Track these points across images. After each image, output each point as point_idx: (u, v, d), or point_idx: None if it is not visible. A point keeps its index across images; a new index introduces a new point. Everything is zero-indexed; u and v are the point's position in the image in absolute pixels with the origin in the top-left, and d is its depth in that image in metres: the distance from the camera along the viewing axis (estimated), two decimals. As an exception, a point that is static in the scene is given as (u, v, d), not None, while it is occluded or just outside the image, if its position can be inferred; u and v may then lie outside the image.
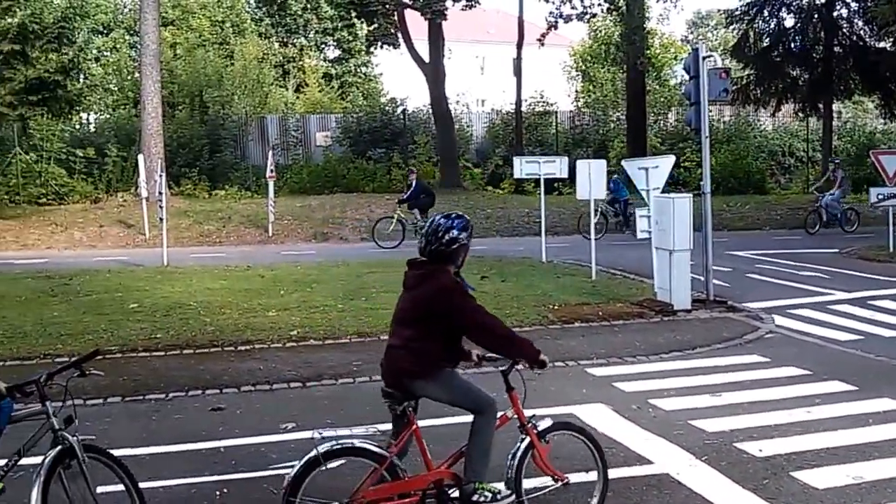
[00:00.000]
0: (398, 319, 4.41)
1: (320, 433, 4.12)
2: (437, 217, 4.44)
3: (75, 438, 4.04)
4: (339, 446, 4.10)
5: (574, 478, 4.75)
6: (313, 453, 4.05)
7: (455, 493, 4.31)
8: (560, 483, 4.55)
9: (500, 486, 4.38)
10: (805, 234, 19.16)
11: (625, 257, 14.92)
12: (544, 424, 4.57)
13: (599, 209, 19.35)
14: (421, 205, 18.77)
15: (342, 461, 4.15)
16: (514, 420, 4.52)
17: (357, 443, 4.15)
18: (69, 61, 19.70)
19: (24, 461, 4.11)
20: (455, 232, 4.34)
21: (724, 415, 6.30)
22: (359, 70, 39.42)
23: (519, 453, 4.47)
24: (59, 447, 4.03)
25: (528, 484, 4.50)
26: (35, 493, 3.91)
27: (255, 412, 6.50)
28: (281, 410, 6.48)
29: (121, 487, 4.30)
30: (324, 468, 4.06)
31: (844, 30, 25.27)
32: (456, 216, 4.45)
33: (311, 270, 13.88)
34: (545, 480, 4.56)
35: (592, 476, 4.74)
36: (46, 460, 4.00)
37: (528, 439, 4.47)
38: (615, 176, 19.70)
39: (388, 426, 4.44)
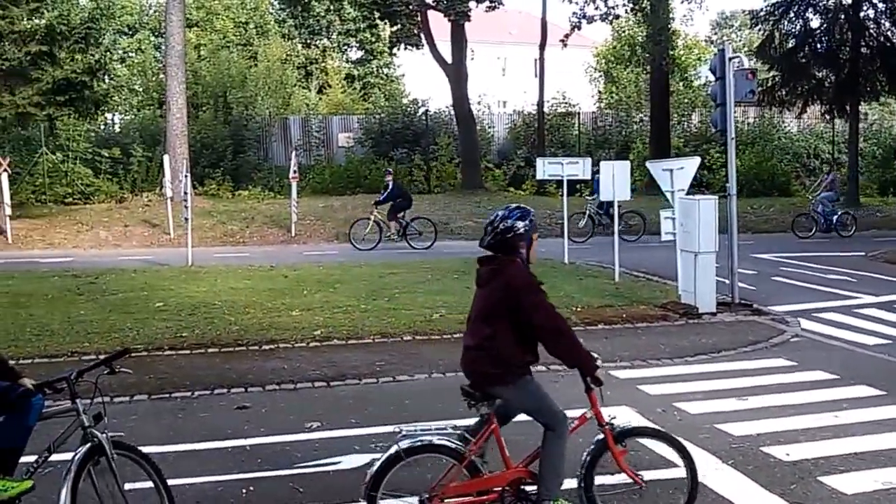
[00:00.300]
0: (473, 318, 4.40)
1: (401, 428, 4.20)
2: (497, 210, 4.43)
3: (104, 435, 4.09)
4: (419, 443, 4.16)
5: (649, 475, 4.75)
6: (394, 449, 4.11)
7: (532, 488, 4.33)
8: (636, 485, 4.55)
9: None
10: (833, 237, 18.96)
11: (648, 259, 14.83)
12: (622, 426, 4.58)
13: (587, 211, 19.13)
14: (398, 207, 18.76)
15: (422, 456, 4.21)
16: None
17: (437, 440, 4.20)
18: (96, 62, 19.91)
19: (53, 458, 4.16)
20: (510, 221, 4.30)
21: (751, 418, 6.25)
22: (381, 71, 39.51)
23: (593, 452, 4.52)
24: (89, 444, 4.08)
25: (602, 481, 4.55)
26: (65, 491, 3.95)
27: (280, 411, 6.53)
28: (305, 409, 6.51)
29: (149, 484, 4.36)
30: (404, 463, 4.12)
31: (871, 30, 24.94)
32: (515, 207, 4.42)
33: (334, 271, 13.93)
34: (622, 478, 4.58)
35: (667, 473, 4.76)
36: (76, 457, 4.05)
37: (603, 438, 4.49)
38: (597, 175, 19.34)
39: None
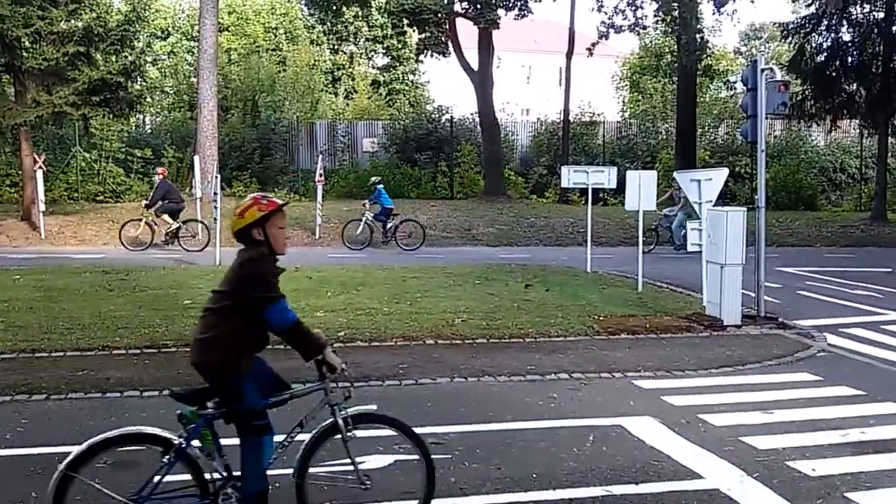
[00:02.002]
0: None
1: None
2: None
3: (343, 413, 4.44)
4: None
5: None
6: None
7: None
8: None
9: None
10: (857, 252, 18.75)
11: (671, 270, 14.80)
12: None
13: (365, 221, 18.83)
14: (167, 209, 18.11)
15: None
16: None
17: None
18: (130, 63, 20.25)
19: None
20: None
21: (776, 432, 6.19)
22: (406, 77, 39.78)
23: (316, 436, 4.51)
24: (331, 420, 4.44)
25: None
26: (297, 462, 4.43)
27: (305, 410, 6.53)
28: (330, 409, 6.57)
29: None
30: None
31: (904, 45, 24.69)
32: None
33: (357, 273, 14.01)
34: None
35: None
36: (316, 433, 4.45)
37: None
38: (379, 185, 19.07)
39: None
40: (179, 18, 35.19)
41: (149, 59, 31.22)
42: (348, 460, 4.48)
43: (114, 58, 20.31)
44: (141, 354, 8.21)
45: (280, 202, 4.28)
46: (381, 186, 19.22)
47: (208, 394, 4.24)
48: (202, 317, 4.25)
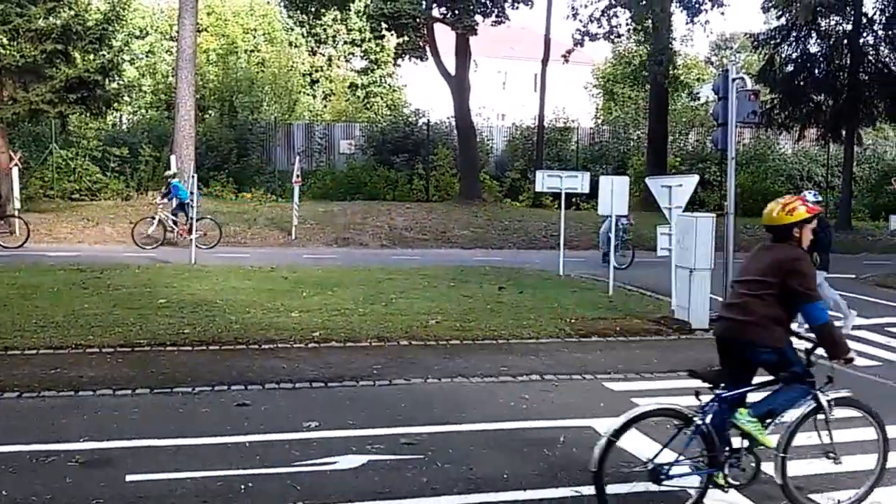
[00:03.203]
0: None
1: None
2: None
3: (827, 396, 5.02)
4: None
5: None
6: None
7: None
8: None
9: None
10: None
11: (642, 274, 14.98)
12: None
13: (158, 217, 18.25)
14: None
15: None
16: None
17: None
18: (108, 62, 20.14)
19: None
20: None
21: (742, 434, 6.32)
22: (384, 81, 39.90)
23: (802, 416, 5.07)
24: (815, 403, 5.01)
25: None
26: (783, 439, 4.99)
27: (279, 410, 6.59)
28: (304, 409, 6.58)
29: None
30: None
31: (870, 57, 25.28)
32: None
33: (332, 274, 14.04)
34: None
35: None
36: (803, 412, 5.02)
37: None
38: (174, 179, 18.64)
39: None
40: (158, 18, 34.99)
41: (127, 57, 31.09)
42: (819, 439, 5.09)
43: (92, 56, 20.24)
44: (115, 353, 8.18)
45: (819, 209, 4.95)
46: (175, 180, 18.71)
47: (726, 375, 5.08)
48: (737, 303, 4.94)
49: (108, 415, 6.37)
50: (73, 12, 20.23)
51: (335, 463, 5.41)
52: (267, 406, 6.69)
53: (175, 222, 18.29)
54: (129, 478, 5.06)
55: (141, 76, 31.60)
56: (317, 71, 37.87)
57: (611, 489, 4.76)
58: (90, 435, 5.83)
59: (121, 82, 23.12)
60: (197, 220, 17.66)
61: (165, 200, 18.51)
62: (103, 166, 24.95)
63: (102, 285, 12.07)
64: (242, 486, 5.01)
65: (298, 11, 32.49)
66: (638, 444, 6.02)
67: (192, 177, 16.64)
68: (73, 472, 5.19)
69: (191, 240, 16.02)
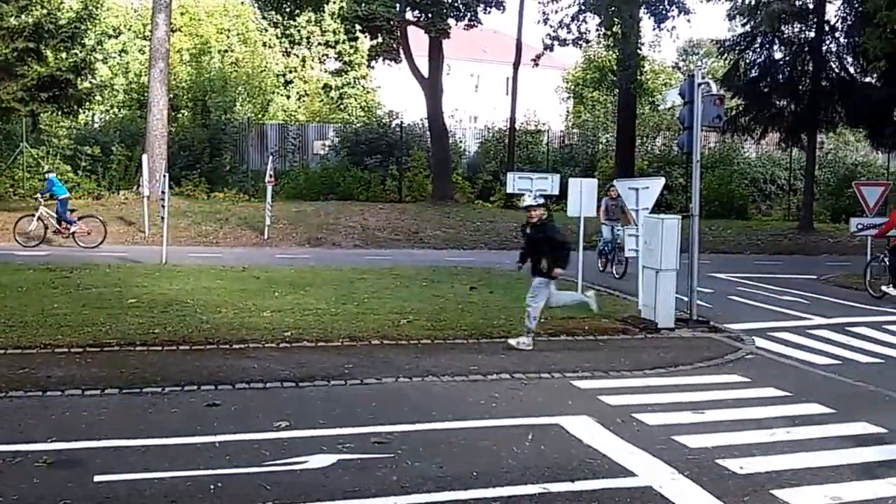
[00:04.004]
0: None
1: None
2: None
3: None
4: None
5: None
6: None
7: None
8: None
9: None
10: (784, 259, 19.54)
11: (611, 274, 15.19)
12: None
13: (38, 216, 17.92)
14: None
15: None
16: None
17: None
18: (81, 61, 19.95)
19: None
20: None
21: (706, 431, 6.40)
22: (357, 82, 39.92)
23: None
24: None
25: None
26: None
27: (249, 409, 6.58)
28: (274, 409, 6.58)
29: None
30: None
31: (832, 64, 25.80)
32: None
33: (305, 274, 14.03)
34: None
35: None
36: None
37: None
38: (50, 175, 18.32)
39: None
40: (131, 17, 34.67)
41: (99, 56, 30.89)
42: None
43: (64, 55, 20.09)
44: (84, 353, 8.11)
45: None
46: (52, 175, 18.48)
47: None
48: None
49: (76, 415, 6.32)
50: (45, 11, 20.09)
51: (305, 462, 5.41)
52: (237, 406, 6.68)
53: (60, 220, 17.93)
54: (97, 478, 5.04)
55: (114, 75, 31.32)
56: (291, 72, 37.78)
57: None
58: (58, 435, 5.78)
59: (93, 81, 22.97)
60: (80, 219, 17.61)
61: (41, 197, 18.17)
62: (75, 165, 24.71)
63: (72, 285, 11.96)
64: (212, 486, 5.00)
65: (273, 12, 32.42)
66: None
67: (164, 176, 16.53)
68: (41, 472, 5.15)
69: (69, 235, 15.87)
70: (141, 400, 6.78)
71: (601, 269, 15.96)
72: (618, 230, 15.51)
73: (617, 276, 15.16)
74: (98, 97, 27.43)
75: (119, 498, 4.81)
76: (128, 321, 9.43)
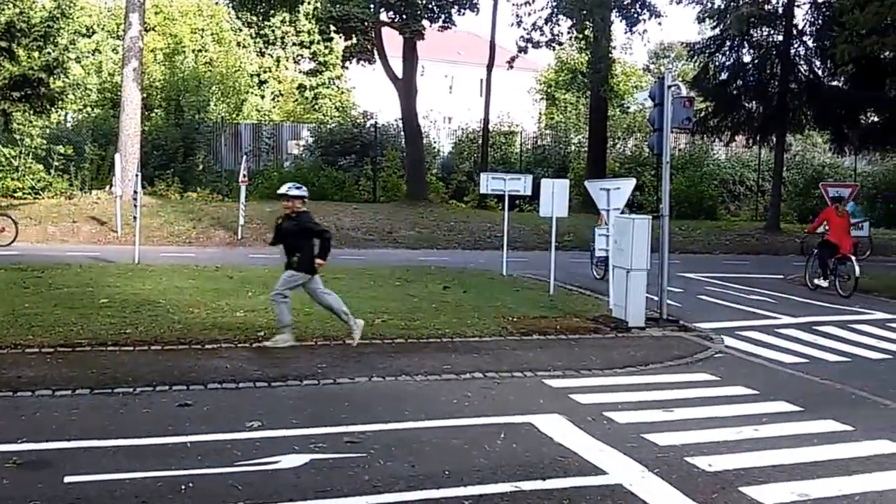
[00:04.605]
0: None
1: None
2: None
3: None
4: None
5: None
6: None
7: None
8: None
9: None
10: (752, 259, 19.84)
11: (583, 274, 15.30)
12: None
13: None
14: None
15: None
16: None
17: None
18: (53, 60, 19.74)
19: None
20: None
21: (676, 429, 6.46)
22: (332, 82, 39.85)
23: None
24: None
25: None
26: None
27: (221, 410, 6.56)
28: (247, 409, 6.56)
29: None
30: None
31: (800, 67, 26.23)
32: None
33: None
34: None
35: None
36: None
37: None
38: None
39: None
40: (105, 16, 34.31)
41: (72, 55, 30.59)
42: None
43: (36, 54, 19.82)
44: (55, 353, 8.02)
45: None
46: None
47: None
48: None
49: (47, 415, 6.27)
50: (17, 9, 19.76)
51: (277, 462, 5.41)
52: (209, 406, 6.66)
53: None
54: (67, 479, 5.00)
55: (87, 74, 31.04)
56: (265, 72, 37.62)
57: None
58: (28, 436, 5.73)
59: (66, 80, 22.72)
60: None
61: None
62: (47, 165, 24.47)
63: (43, 284, 11.84)
64: (183, 487, 4.98)
65: (247, 12, 32.24)
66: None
67: (137, 175, 16.42)
68: (10, 473, 5.09)
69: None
70: (112, 400, 6.73)
71: (598, 276, 14.99)
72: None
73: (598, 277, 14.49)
74: (71, 96, 27.19)
75: (89, 499, 4.78)
76: (99, 321, 9.34)
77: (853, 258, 14.65)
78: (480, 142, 30.10)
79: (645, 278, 10.62)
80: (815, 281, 15.07)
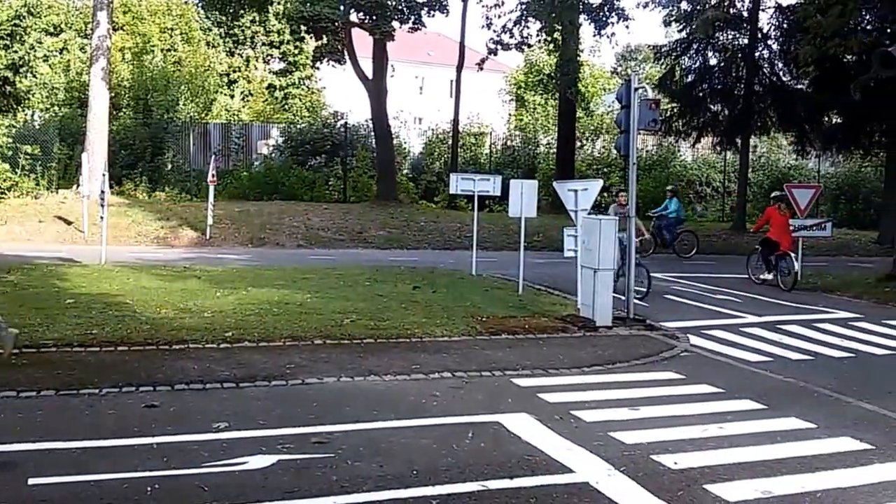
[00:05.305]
0: None
1: None
2: None
3: None
4: None
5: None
6: None
7: None
8: None
9: None
10: (718, 259, 20.13)
11: (551, 274, 15.41)
12: None
13: None
14: None
15: None
16: None
17: None
18: (20, 59, 19.43)
19: None
20: None
21: (642, 428, 6.52)
22: (302, 83, 39.69)
23: None
24: None
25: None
26: None
27: (188, 410, 6.52)
28: (214, 410, 6.53)
29: None
30: None
31: (765, 70, 26.62)
32: None
33: (247, 274, 13.90)
34: None
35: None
36: None
37: None
38: None
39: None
40: (73, 15, 33.85)
41: (39, 54, 30.16)
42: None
43: (2, 52, 19.49)
44: (20, 354, 7.86)
45: None
46: None
47: None
48: None
49: (11, 417, 6.18)
50: (-18, 9, 19.45)
51: (244, 463, 5.39)
52: (176, 407, 6.61)
53: None
54: (31, 481, 4.95)
55: (54, 73, 30.65)
56: (235, 71, 37.37)
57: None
58: (-9, 438, 5.66)
59: (33, 79, 22.37)
60: None
61: None
62: (14, 164, 24.11)
63: (9, 284, 11.68)
64: (149, 489, 4.95)
65: (216, 12, 32.00)
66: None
67: (104, 175, 16.22)
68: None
69: None
70: (77, 401, 6.66)
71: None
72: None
73: (638, 296, 12.45)
74: (38, 95, 26.85)
75: (54, 501, 4.74)
76: (65, 321, 9.23)
77: (792, 255, 15.43)
78: (451, 142, 30.18)
79: (612, 278, 10.75)
80: (761, 276, 15.87)
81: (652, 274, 13.35)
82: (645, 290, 12.94)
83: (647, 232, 13.60)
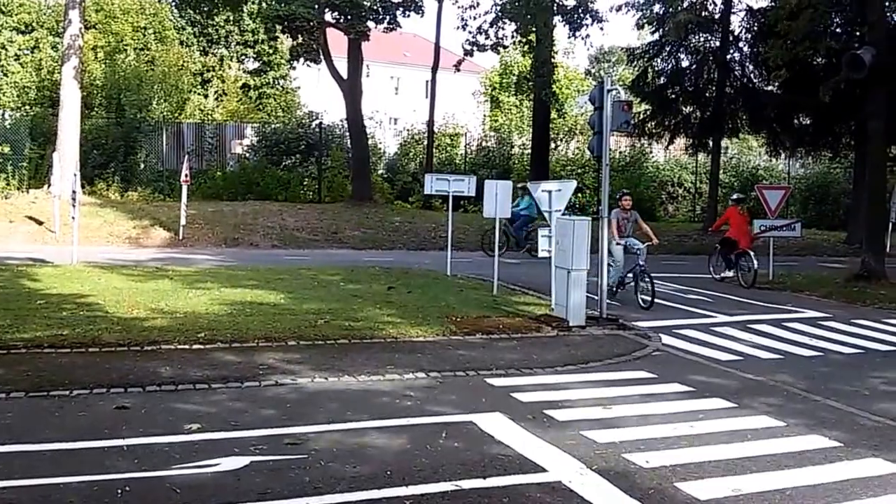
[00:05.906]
0: None
1: None
2: None
3: None
4: None
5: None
6: None
7: None
8: None
9: None
10: (690, 259, 20.35)
11: (525, 274, 15.48)
12: None
13: None
14: None
15: None
16: None
17: None
18: (-9, 57, 19.26)
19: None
20: None
21: (614, 427, 6.56)
22: (277, 82, 39.49)
23: None
24: None
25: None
26: None
27: (160, 412, 6.46)
28: (186, 411, 6.48)
29: None
30: None
31: (736, 72, 27.00)
32: None
33: (220, 274, 13.81)
34: None
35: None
36: None
37: None
38: None
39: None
40: (44, 13, 33.42)
41: (10, 53, 29.75)
42: None
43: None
44: (-12, 355, 7.81)
45: None
46: None
47: None
48: None
49: (-21, 419, 6.11)
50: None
51: (217, 465, 5.35)
52: (147, 409, 6.55)
53: None
54: (1, 484, 4.88)
55: (25, 72, 30.27)
56: (209, 71, 37.09)
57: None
58: (-41, 441, 5.57)
59: (4, 78, 22.08)
60: None
61: None
62: (-17, 164, 23.84)
63: (-21, 285, 11.51)
64: (119, 491, 4.90)
65: (190, 10, 31.75)
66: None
67: (75, 175, 16.07)
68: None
69: None
70: (47, 403, 6.58)
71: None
72: (639, 248, 13.06)
73: (644, 305, 12.75)
74: (9, 94, 26.46)
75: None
76: (35, 322, 9.11)
77: (752, 253, 15.87)
78: (426, 143, 30.21)
79: (585, 278, 10.80)
80: (722, 273, 16.43)
81: (620, 275, 13.42)
82: (650, 298, 12.73)
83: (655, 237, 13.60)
